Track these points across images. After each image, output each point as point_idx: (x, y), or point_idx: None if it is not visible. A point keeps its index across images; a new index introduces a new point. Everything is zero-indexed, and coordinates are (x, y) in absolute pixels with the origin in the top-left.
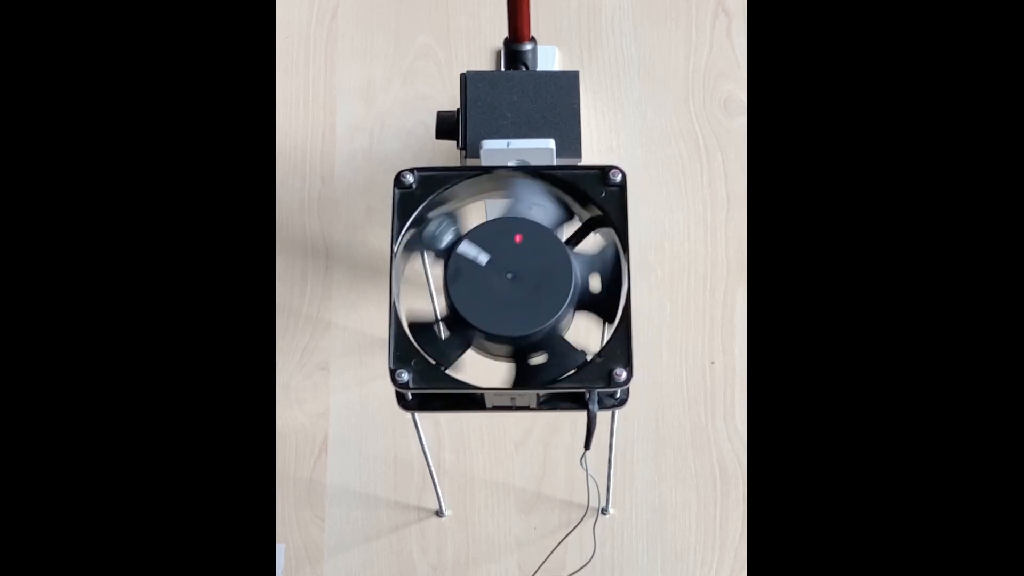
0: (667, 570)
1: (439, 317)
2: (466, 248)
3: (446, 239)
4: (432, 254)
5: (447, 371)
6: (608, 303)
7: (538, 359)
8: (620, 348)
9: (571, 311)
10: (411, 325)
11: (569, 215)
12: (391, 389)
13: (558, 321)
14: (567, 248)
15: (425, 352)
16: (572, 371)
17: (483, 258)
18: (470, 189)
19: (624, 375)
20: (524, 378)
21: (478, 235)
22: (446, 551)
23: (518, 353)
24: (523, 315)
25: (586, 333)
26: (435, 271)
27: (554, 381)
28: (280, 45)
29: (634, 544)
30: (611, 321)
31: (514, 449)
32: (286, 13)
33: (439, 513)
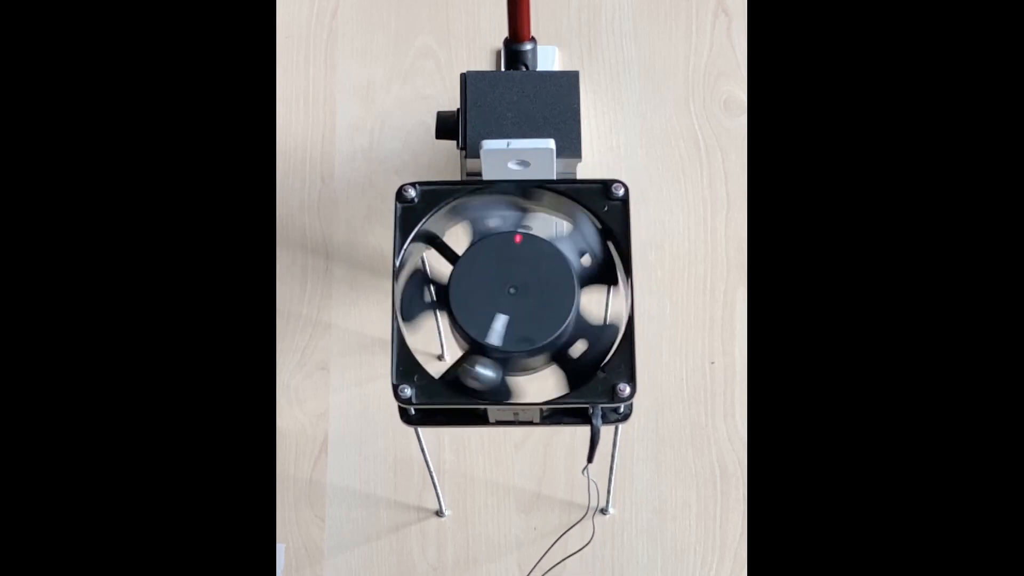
0: (667, 570)
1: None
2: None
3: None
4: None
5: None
6: (604, 272)
7: (579, 347)
8: (623, 363)
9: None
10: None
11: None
12: (391, 389)
13: (568, 327)
14: (562, 251)
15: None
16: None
17: (500, 329)
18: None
19: (628, 390)
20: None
21: (469, 300)
22: (446, 551)
23: (558, 355)
24: (532, 323)
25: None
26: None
27: (596, 365)
28: (280, 45)
29: (634, 544)
30: (614, 283)
31: (514, 449)
32: (286, 13)
33: (439, 513)
